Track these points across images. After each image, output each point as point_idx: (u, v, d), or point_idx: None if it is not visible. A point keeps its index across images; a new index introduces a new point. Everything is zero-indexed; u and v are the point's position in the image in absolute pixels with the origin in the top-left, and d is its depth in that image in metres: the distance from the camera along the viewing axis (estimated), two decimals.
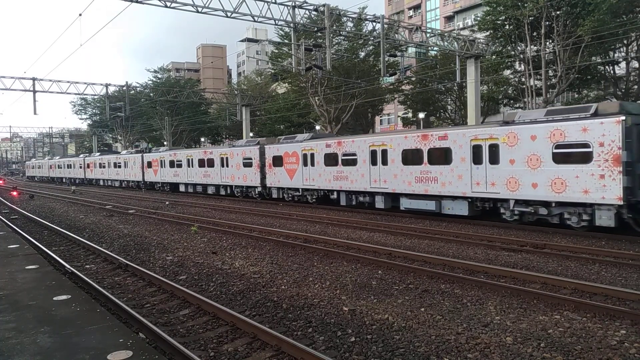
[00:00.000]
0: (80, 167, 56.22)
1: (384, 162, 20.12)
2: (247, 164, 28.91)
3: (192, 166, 34.98)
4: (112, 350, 5.50)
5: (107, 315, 6.97)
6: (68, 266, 10.96)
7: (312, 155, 23.88)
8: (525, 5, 25.61)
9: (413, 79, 40.46)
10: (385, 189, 20.11)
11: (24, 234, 16.24)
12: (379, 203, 20.67)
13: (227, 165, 30.83)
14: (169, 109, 57.76)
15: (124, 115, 43.96)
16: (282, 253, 12.66)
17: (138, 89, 61.24)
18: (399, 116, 52.84)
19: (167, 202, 28.45)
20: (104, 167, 49.77)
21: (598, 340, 6.40)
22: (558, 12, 25.33)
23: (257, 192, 27.79)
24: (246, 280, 9.98)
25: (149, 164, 41.59)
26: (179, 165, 36.19)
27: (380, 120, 58.60)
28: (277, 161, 26.25)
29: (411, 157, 18.91)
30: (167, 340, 6.39)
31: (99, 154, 55.83)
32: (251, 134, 47.85)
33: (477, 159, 16.50)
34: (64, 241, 15.58)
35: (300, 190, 25.10)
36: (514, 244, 12.87)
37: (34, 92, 35.11)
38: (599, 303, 7.68)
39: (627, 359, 5.87)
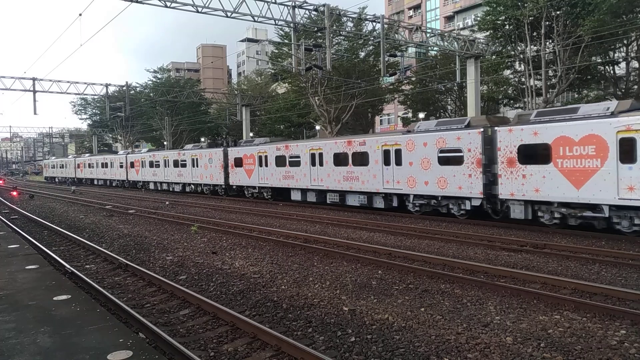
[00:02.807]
0: (121, 167, 46.64)
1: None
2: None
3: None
4: (112, 350, 5.50)
5: (107, 315, 6.97)
6: (68, 266, 10.95)
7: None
8: (525, 5, 25.60)
9: (413, 79, 40.45)
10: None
11: (24, 234, 16.23)
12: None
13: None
14: (169, 109, 57.71)
15: (124, 115, 43.94)
16: (282, 253, 12.66)
17: (138, 89, 61.18)
18: (399, 116, 52.86)
19: (167, 202, 28.45)
20: (158, 166, 39.60)
21: (598, 340, 6.40)
22: (558, 12, 25.31)
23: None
24: (246, 280, 9.98)
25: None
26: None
27: (380, 121, 58.59)
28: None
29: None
30: (167, 340, 6.39)
31: (146, 150, 48.52)
32: (251, 134, 47.84)
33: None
34: (64, 241, 15.58)
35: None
36: (514, 244, 12.87)
37: (34, 92, 35.11)
38: (599, 303, 7.68)
39: (627, 359, 5.87)
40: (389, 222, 17.66)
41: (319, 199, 24.05)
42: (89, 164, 54.53)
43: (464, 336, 6.63)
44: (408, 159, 19.01)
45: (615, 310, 7.33)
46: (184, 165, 35.16)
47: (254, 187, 28.53)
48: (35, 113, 37.69)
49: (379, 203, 20.73)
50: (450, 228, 16.13)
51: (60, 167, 67.41)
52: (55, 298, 7.63)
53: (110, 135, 78.00)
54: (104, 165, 50.29)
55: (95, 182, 54.09)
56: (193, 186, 34.83)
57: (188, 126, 58.29)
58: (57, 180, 67.04)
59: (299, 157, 24.76)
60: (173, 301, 8.64)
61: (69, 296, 7.73)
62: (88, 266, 11.79)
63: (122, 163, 46.08)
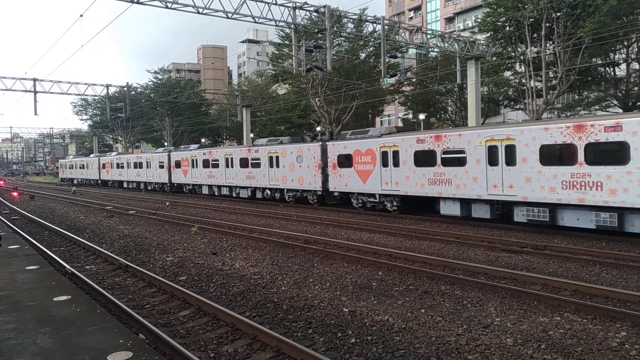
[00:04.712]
0: (161, 167, 39.19)
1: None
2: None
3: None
4: (112, 351, 5.50)
5: (107, 316, 6.97)
6: (68, 267, 10.95)
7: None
8: (526, 6, 25.62)
9: (413, 80, 40.44)
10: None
11: (24, 235, 16.23)
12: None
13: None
14: (169, 109, 57.77)
15: (125, 116, 43.92)
16: (282, 254, 12.65)
17: (139, 89, 61.27)
18: (399, 117, 52.84)
19: (167, 203, 28.46)
20: (217, 165, 32.09)
21: (598, 342, 6.39)
22: (558, 14, 25.31)
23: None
24: (246, 281, 9.97)
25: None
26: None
27: (381, 122, 58.58)
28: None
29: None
30: (167, 341, 6.39)
31: (196, 146, 38.84)
32: (252, 135, 47.84)
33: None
34: (64, 242, 15.58)
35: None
36: (515, 246, 12.86)
37: (35, 92, 35.11)
38: (600, 305, 7.67)
39: None
40: (390, 224, 17.65)
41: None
42: (118, 164, 46.90)
43: (464, 337, 6.62)
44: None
45: (616, 312, 7.33)
46: (256, 165, 27.97)
47: (371, 195, 21.17)
48: (35, 114, 37.96)
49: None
50: (450, 229, 16.13)
51: (80, 168, 58.44)
52: (55, 299, 7.63)
53: (111, 136, 78.05)
54: (138, 165, 42.75)
55: (126, 185, 46.31)
56: (269, 191, 27.38)
57: (188, 127, 58.34)
58: (75, 182, 58.10)
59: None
60: (173, 302, 8.63)
61: (69, 297, 7.73)
62: (88, 267, 11.79)
63: (162, 162, 38.56)
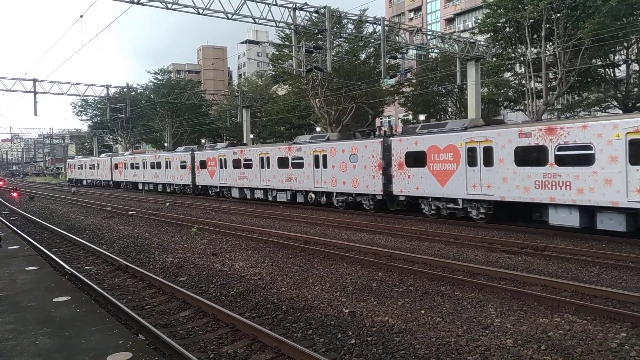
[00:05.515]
0: (183, 167, 36.25)
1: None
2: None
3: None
4: (112, 351, 5.50)
5: (107, 316, 6.97)
6: (68, 267, 10.95)
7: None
8: (526, 7, 25.63)
9: (413, 81, 40.44)
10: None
11: (24, 235, 16.23)
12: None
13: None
14: (169, 110, 57.77)
15: (125, 117, 43.96)
16: (282, 255, 12.65)
17: (139, 90, 61.32)
18: (399, 118, 52.86)
19: (167, 204, 28.46)
20: (249, 166, 28.98)
21: (598, 343, 6.39)
22: (558, 15, 25.32)
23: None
24: (246, 282, 9.97)
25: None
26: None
27: (381, 122, 58.61)
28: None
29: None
30: (167, 342, 6.39)
31: (224, 144, 34.79)
32: (251, 136, 47.83)
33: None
34: (64, 242, 15.57)
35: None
36: (514, 247, 12.86)
37: (35, 93, 35.10)
38: (600, 306, 7.67)
39: None
40: (390, 224, 17.65)
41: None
42: (133, 164, 44.30)
43: (464, 338, 6.62)
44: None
45: (616, 313, 7.33)
46: (297, 166, 24.73)
47: (452, 200, 17.93)
48: (35, 114, 37.90)
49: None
50: (450, 230, 16.12)
51: (90, 168, 55.49)
52: (55, 299, 7.63)
53: (111, 136, 78.06)
54: (156, 165, 40.07)
55: (141, 187, 43.80)
56: (313, 195, 24.33)
57: (189, 128, 58.36)
58: (84, 183, 57.01)
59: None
60: (173, 303, 8.63)
61: (69, 297, 7.72)
62: (88, 267, 11.78)
63: (184, 162, 35.79)
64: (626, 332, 6.72)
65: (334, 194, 23.04)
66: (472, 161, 16.94)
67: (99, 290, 9.05)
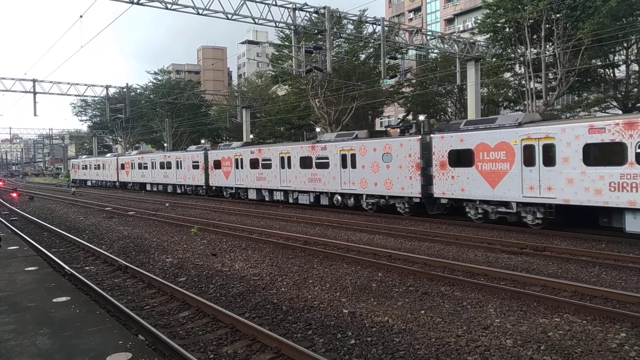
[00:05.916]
0: (195, 167, 34.66)
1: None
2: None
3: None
4: (112, 352, 5.49)
5: (107, 317, 6.97)
6: (67, 268, 10.95)
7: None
8: (526, 8, 25.65)
9: (413, 81, 40.48)
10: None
11: (23, 236, 16.22)
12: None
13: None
14: (169, 110, 57.78)
15: (124, 117, 43.97)
16: (282, 255, 12.65)
17: (138, 90, 61.32)
18: (399, 118, 52.87)
19: (167, 204, 28.45)
20: (268, 166, 26.94)
21: (598, 343, 6.39)
22: (558, 15, 25.36)
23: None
24: (246, 282, 9.97)
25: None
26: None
27: (381, 123, 58.61)
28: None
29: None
30: (167, 342, 6.39)
31: (239, 143, 32.97)
32: (251, 136, 47.82)
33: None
34: (63, 243, 15.57)
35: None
36: (514, 247, 12.86)
37: (34, 93, 35.11)
38: (599, 306, 7.67)
39: None
40: (390, 225, 17.65)
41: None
42: (140, 164, 42.48)
43: (464, 339, 6.62)
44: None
45: (616, 313, 7.33)
46: (322, 166, 23.11)
47: (504, 204, 16.28)
48: (35, 114, 37.76)
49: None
50: (450, 230, 16.12)
51: (95, 168, 53.71)
52: (54, 300, 7.63)
53: (111, 137, 78.09)
54: (166, 165, 38.30)
55: (149, 188, 42.01)
56: (340, 197, 22.65)
57: (188, 128, 58.38)
58: (89, 184, 55.70)
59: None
60: (173, 303, 8.63)
61: (69, 298, 7.72)
62: (88, 268, 11.78)
63: (196, 162, 34.10)
64: (626, 332, 6.72)
65: (364, 196, 21.37)
66: (529, 160, 15.25)
67: (99, 290, 9.05)
